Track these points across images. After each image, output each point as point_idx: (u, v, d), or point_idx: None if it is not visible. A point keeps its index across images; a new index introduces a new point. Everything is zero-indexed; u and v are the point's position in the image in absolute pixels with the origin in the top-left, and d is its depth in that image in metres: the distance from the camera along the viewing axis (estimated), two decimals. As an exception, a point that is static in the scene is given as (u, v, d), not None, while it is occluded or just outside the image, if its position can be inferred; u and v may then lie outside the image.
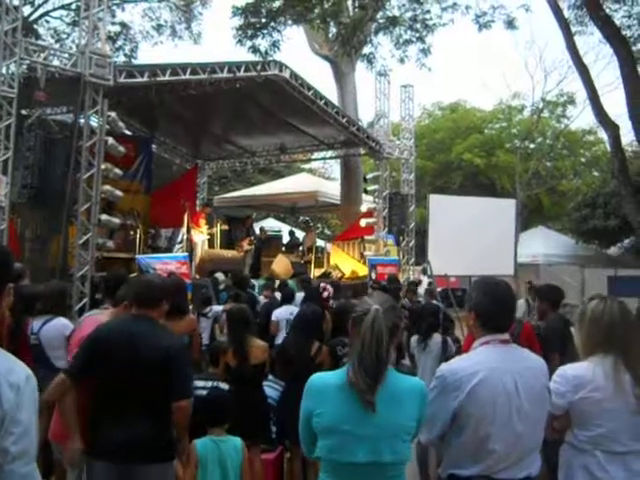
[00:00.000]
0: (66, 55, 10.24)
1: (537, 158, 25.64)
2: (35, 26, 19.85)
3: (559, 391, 2.87)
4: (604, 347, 2.90)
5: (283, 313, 7.99)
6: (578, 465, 2.87)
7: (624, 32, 13.41)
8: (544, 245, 19.07)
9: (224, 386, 4.88)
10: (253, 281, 11.78)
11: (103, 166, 10.21)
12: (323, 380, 2.47)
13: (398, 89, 17.14)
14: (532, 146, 28.02)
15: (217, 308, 8.44)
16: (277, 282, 10.62)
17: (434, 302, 9.95)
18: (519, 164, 24.20)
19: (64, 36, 21.29)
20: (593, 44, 16.45)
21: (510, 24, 15.93)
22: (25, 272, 7.02)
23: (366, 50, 16.99)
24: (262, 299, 9.74)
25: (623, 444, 2.81)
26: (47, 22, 21.24)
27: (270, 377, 5.99)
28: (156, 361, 3.43)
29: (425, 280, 15.38)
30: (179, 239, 14.97)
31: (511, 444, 2.62)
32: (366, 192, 17.20)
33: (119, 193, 10.80)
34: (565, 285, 15.52)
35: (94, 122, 10.34)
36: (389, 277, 12.04)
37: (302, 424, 2.50)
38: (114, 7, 20.31)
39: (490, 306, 2.81)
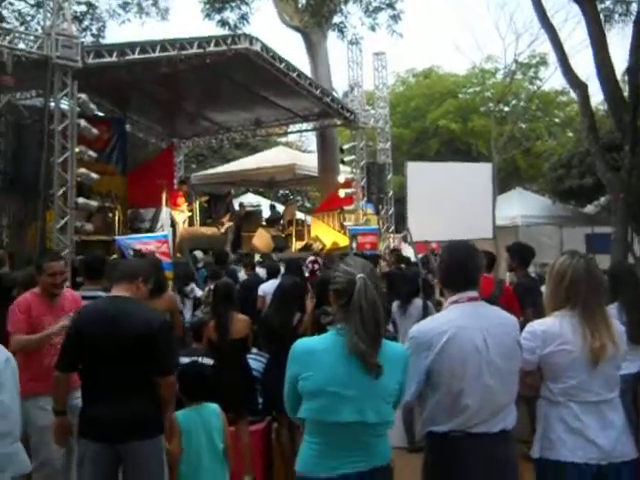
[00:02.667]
0: (32, 37, 10.08)
1: (512, 121, 25.65)
2: (-2, 9, 19.43)
3: (529, 346, 2.95)
4: (569, 302, 2.98)
5: (270, 287, 8.01)
6: (554, 417, 2.95)
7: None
8: (522, 207, 19.16)
9: (208, 361, 4.93)
10: (233, 257, 11.80)
11: (77, 149, 10.12)
12: (308, 345, 2.54)
13: (371, 57, 17.06)
14: (506, 109, 28.00)
15: (198, 292, 8.45)
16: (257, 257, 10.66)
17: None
18: (494, 128, 24.18)
19: (29, 18, 20.82)
20: (563, 3, 16.39)
21: (479, -14, 15.86)
22: (4, 259, 7.02)
23: (336, 19, 16.92)
24: (242, 275, 9.77)
25: (596, 393, 2.89)
26: (11, 4, 20.71)
27: (254, 350, 6.06)
28: (139, 338, 3.47)
29: (407, 248, 15.47)
30: (160, 219, 14.91)
31: (483, 398, 2.71)
32: (343, 163, 17.19)
33: (95, 175, 10.72)
34: (544, 245, 15.72)
35: (65, 105, 10.21)
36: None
37: (287, 388, 2.57)
38: (79, -15, 19.87)
39: (450, 266, 2.93)
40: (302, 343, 2.54)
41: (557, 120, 29.66)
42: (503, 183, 22.44)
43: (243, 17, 16.56)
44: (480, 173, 15.75)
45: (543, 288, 5.60)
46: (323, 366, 2.42)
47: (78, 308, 4.29)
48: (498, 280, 7.12)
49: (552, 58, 22.75)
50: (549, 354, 2.94)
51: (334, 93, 17.25)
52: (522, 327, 3.04)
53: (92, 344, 3.47)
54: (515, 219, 18.36)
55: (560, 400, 2.94)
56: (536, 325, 3.04)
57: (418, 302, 6.36)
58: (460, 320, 2.77)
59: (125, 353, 3.45)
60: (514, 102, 28.13)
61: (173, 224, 14.06)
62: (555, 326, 2.96)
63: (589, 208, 20.15)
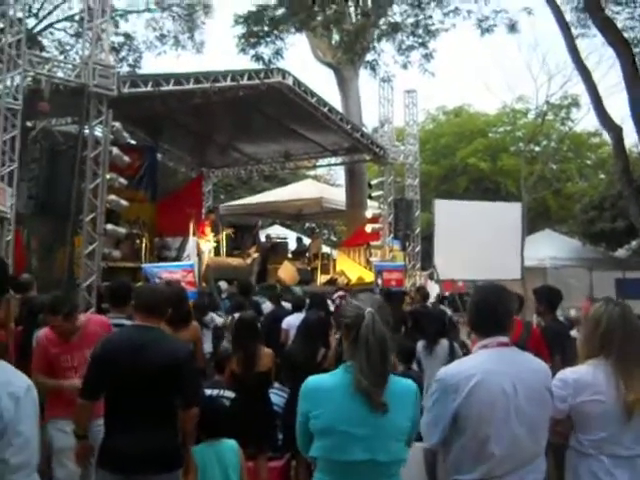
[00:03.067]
0: (70, 66, 10.33)
1: (542, 161, 25.54)
2: (39, 38, 19.96)
3: (560, 394, 2.86)
4: (603, 350, 2.89)
5: (294, 321, 7.94)
6: (584, 470, 2.85)
7: (626, 34, 13.38)
8: (551, 248, 18.98)
9: (229, 394, 4.88)
10: (257, 288, 11.78)
11: (108, 176, 10.25)
12: (319, 382, 2.49)
13: (402, 94, 17.13)
14: (537, 149, 27.94)
15: (218, 319, 8.42)
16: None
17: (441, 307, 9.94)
18: (524, 167, 24.09)
19: (68, 47, 21.42)
20: (597, 45, 16.37)
21: (512, 28, 15.91)
22: (33, 283, 7.06)
23: (369, 57, 17.04)
24: (268, 305, 9.74)
25: (627, 447, 2.79)
26: (51, 34, 21.36)
27: (276, 384, 5.99)
28: (166, 369, 3.44)
29: (433, 285, 15.35)
30: (187, 248, 14.99)
31: (511, 446, 2.60)
32: (371, 198, 17.18)
33: (124, 202, 10.83)
34: (572, 288, 15.48)
35: (98, 132, 10.39)
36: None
37: (299, 426, 2.51)
38: (117, 18, 20.40)
39: (480, 311, 2.85)
40: (312, 380, 2.49)
41: (589, 162, 29.47)
42: (532, 224, 22.28)
43: (277, 52, 16.78)
44: (509, 213, 15.78)
45: (572, 332, 5.48)
46: (332, 404, 2.38)
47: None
48: (526, 322, 6.98)
49: (584, 99, 22.72)
50: (580, 404, 2.85)
51: (364, 128, 17.32)
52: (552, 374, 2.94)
53: (117, 373, 3.45)
54: (543, 260, 18.16)
55: (590, 452, 2.84)
56: (568, 373, 2.95)
57: (444, 342, 6.25)
58: (489, 364, 2.68)
59: (149, 383, 3.41)
60: (545, 142, 28.04)
61: (199, 253, 14.11)
62: (588, 375, 2.87)
63: (620, 252, 19.85)
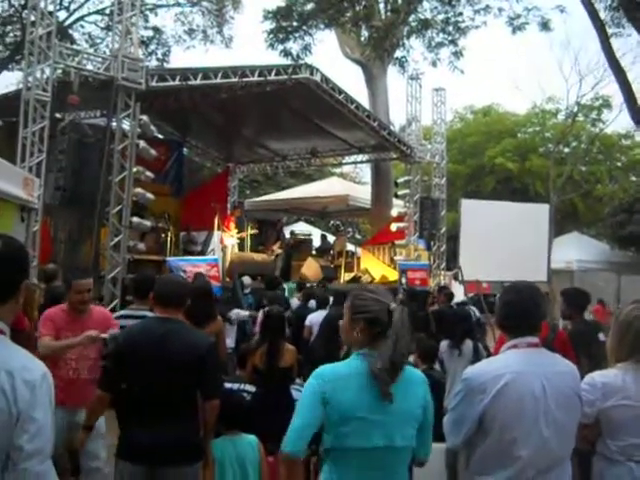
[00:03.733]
0: (99, 59, 10.40)
1: (571, 162, 25.23)
2: (70, 31, 20.16)
3: (588, 399, 2.79)
4: (633, 354, 2.81)
5: (317, 318, 7.93)
6: (611, 476, 2.79)
7: (662, 33, 13.10)
8: (578, 251, 18.75)
9: (250, 388, 4.86)
10: (284, 285, 11.78)
11: (135, 169, 10.32)
12: (335, 371, 2.48)
13: (430, 92, 17.02)
14: (566, 150, 27.60)
15: (243, 313, 8.43)
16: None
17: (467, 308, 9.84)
18: (553, 168, 23.82)
19: (98, 41, 21.62)
20: (631, 45, 16.10)
21: (544, 26, 15.73)
22: (58, 273, 7.12)
23: (398, 53, 16.94)
24: (295, 301, 9.74)
25: None
26: (82, 27, 21.58)
27: (298, 380, 5.96)
28: (188, 361, 3.43)
29: (458, 286, 15.23)
30: (211, 242, 15.05)
31: (538, 449, 2.54)
32: (397, 196, 17.09)
33: (150, 196, 10.88)
34: (600, 291, 15.27)
35: (126, 125, 10.46)
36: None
37: (305, 416, 2.43)
38: (147, 12, 20.54)
39: (511, 310, 2.78)
40: (328, 369, 2.49)
41: (619, 164, 29.02)
42: (560, 226, 22.02)
43: (306, 48, 16.78)
44: (537, 214, 15.57)
45: (600, 336, 5.36)
46: (350, 391, 2.38)
47: (107, 327, 4.42)
48: (552, 324, 6.87)
49: (616, 101, 22.42)
50: (609, 408, 2.78)
51: (391, 126, 17.24)
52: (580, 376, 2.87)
53: (138, 363, 3.44)
54: (571, 263, 17.94)
55: (618, 459, 2.78)
56: (597, 376, 2.88)
57: (469, 343, 6.17)
58: (518, 365, 2.61)
59: (171, 375, 3.40)
60: (574, 144, 27.68)
61: (223, 248, 14.15)
62: (617, 379, 2.80)
63: (650, 256, 19.53)
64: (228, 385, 4.77)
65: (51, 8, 10.02)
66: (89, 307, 4.60)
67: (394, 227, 16.35)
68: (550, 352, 2.78)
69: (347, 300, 2.59)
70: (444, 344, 6.34)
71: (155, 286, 3.80)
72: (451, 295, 10.36)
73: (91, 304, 4.67)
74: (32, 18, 9.94)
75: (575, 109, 25.25)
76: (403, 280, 14.47)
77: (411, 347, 2.49)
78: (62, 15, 18.93)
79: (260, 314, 7.75)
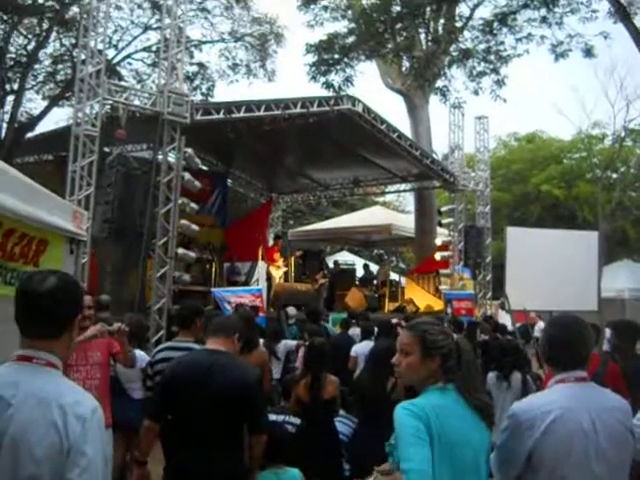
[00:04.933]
0: (146, 95, 10.64)
1: (620, 188, 24.74)
2: (118, 68, 20.74)
3: (642, 435, 2.67)
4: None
5: (363, 348, 7.85)
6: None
7: None
8: (630, 279, 18.27)
9: (294, 420, 4.82)
10: (327, 314, 11.76)
11: (180, 201, 10.45)
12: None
13: (472, 120, 16.96)
14: (615, 176, 27.10)
15: (291, 343, 8.42)
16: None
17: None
18: (601, 194, 23.39)
19: (145, 77, 22.16)
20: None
21: (588, 52, 15.57)
22: (108, 304, 7.26)
23: (439, 83, 16.96)
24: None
25: None
26: (129, 64, 22.16)
27: (342, 412, 5.89)
28: (235, 393, 3.42)
29: (505, 315, 14.96)
30: (255, 273, 15.12)
31: None
32: (441, 225, 16.98)
33: (195, 227, 11.00)
34: (653, 321, 14.79)
35: (172, 158, 10.64)
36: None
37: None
38: (192, 48, 21.00)
39: (557, 343, 2.69)
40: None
41: (670, 189, 28.33)
42: (610, 253, 21.51)
43: (347, 79, 16.91)
44: (585, 242, 15.23)
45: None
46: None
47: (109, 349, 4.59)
48: (603, 356, 6.66)
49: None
50: (666, 446, 2.65)
51: (434, 155, 17.20)
52: (632, 412, 2.76)
53: (186, 394, 3.44)
54: (622, 292, 17.49)
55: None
56: (651, 411, 2.76)
57: (517, 375, 6.03)
58: (567, 401, 2.52)
59: (218, 407, 3.39)
60: (623, 169, 27.16)
61: (269, 278, 14.20)
62: (673, 414, 2.68)
63: None
64: (273, 417, 4.74)
65: (101, 47, 10.32)
66: (89, 324, 4.62)
67: (438, 256, 16.19)
68: (598, 386, 2.69)
69: (410, 335, 2.52)
70: (492, 376, 6.20)
71: (207, 319, 3.83)
72: (497, 325, 10.20)
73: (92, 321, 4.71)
74: (82, 57, 10.27)
75: (623, 134, 24.84)
76: (449, 310, 14.29)
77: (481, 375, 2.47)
78: (111, 53, 19.50)
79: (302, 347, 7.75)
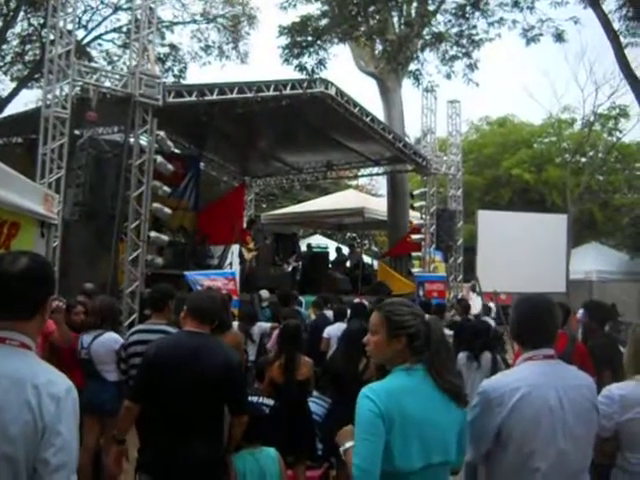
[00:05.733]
0: (117, 76, 10.54)
1: (589, 172, 25.10)
2: (88, 49, 20.45)
3: (606, 412, 2.77)
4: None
5: (335, 330, 7.92)
6: (631, 489, 2.76)
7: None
8: (597, 261, 18.65)
9: (268, 401, 4.87)
10: (301, 298, 11.78)
11: (152, 184, 10.39)
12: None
13: (445, 104, 17.03)
14: (583, 160, 27.49)
15: (265, 325, 8.46)
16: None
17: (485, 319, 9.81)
18: (570, 179, 23.72)
19: (116, 58, 21.90)
20: (646, 55, 16.02)
21: (559, 37, 15.69)
22: (96, 292, 7.24)
23: (412, 66, 16.97)
24: (312, 316, 9.73)
25: None
26: (100, 45, 21.89)
27: (315, 393, 5.96)
28: (220, 376, 3.44)
29: (475, 297, 15.16)
30: (228, 256, 15.06)
31: (556, 462, 2.52)
32: (413, 208, 17.07)
33: (168, 210, 10.96)
34: (620, 302, 15.12)
35: (143, 141, 10.56)
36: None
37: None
38: (163, 29, 20.79)
39: (525, 322, 2.76)
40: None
41: (638, 173, 28.82)
42: (578, 236, 21.89)
43: (320, 62, 16.85)
44: (554, 225, 15.50)
45: (622, 349, 5.32)
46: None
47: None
48: (571, 336, 6.82)
49: (633, 110, 22.31)
50: (627, 421, 2.76)
51: (407, 139, 17.25)
52: (597, 390, 2.85)
53: (169, 377, 3.43)
54: (590, 274, 17.84)
55: (638, 471, 2.74)
56: (614, 389, 2.86)
57: (487, 356, 6.16)
58: (534, 378, 2.61)
59: (202, 389, 3.40)
60: (592, 153, 27.55)
61: (242, 262, 14.17)
62: (636, 391, 2.78)
63: (670, 266, 19.35)
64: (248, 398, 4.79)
65: (70, 27, 10.15)
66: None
67: (411, 239, 16.31)
68: (565, 364, 2.77)
69: (378, 315, 2.54)
70: (462, 356, 6.33)
71: (189, 301, 3.80)
72: (467, 307, 10.35)
73: None
74: (51, 37, 10.10)
75: (592, 118, 25.16)
76: (421, 292, 14.43)
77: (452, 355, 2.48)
78: (80, 34, 19.20)
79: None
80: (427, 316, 2.45)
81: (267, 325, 8.44)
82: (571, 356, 4.90)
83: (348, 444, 2.39)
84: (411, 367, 2.39)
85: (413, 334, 2.42)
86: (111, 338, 5.40)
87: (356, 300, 8.62)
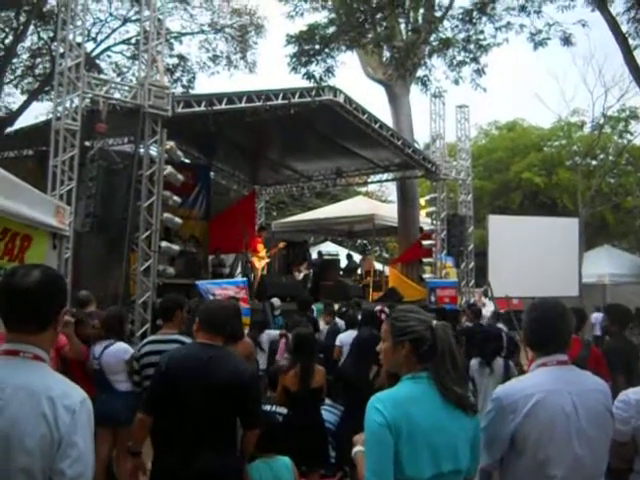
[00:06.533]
0: (126, 88, 10.61)
1: (600, 175, 24.96)
2: (97, 61, 20.60)
3: (622, 417, 2.74)
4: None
5: (347, 338, 7.90)
6: (649, 496, 2.73)
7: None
8: (610, 264, 18.49)
9: (282, 410, 4.86)
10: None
11: (162, 194, 10.43)
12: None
13: (453, 109, 17.01)
14: (594, 163, 27.34)
15: (273, 333, 8.45)
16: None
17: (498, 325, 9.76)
18: (581, 182, 23.60)
19: (125, 70, 22.05)
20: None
21: (567, 40, 15.61)
22: (91, 299, 7.22)
23: (420, 73, 16.94)
24: (322, 324, 9.70)
25: None
26: (109, 57, 22.06)
27: (327, 401, 5.95)
28: (231, 389, 3.42)
29: (488, 303, 15.10)
30: (240, 265, 15.10)
31: (572, 468, 2.50)
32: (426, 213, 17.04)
33: (178, 220, 11.00)
34: (633, 305, 15.00)
35: (153, 151, 10.61)
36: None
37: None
38: (172, 40, 20.92)
39: (539, 328, 2.75)
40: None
41: (649, 174, 28.65)
42: (590, 240, 21.77)
43: (328, 70, 16.86)
44: (566, 228, 15.40)
45: None
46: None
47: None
48: (585, 341, 6.79)
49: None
50: (645, 425, 2.72)
51: (416, 144, 17.24)
52: (612, 394, 2.82)
53: (182, 388, 3.42)
54: (603, 277, 17.72)
55: (656, 476, 2.71)
56: (631, 394, 2.83)
57: (499, 361, 6.12)
58: (549, 384, 2.59)
59: (215, 400, 3.39)
60: (602, 156, 27.41)
61: (253, 270, 14.19)
62: (652, 396, 2.75)
63: (683, 268, 19.18)
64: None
65: (79, 40, 10.22)
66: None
67: (422, 245, 16.27)
68: (579, 369, 2.74)
69: (386, 322, 2.54)
70: (474, 362, 6.29)
71: (201, 313, 3.78)
72: (479, 312, 10.28)
73: None
74: (61, 50, 10.18)
75: (601, 121, 25.05)
76: (432, 298, 14.38)
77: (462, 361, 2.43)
78: (90, 46, 19.37)
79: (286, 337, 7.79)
80: (435, 322, 2.40)
81: (276, 332, 8.44)
82: (586, 361, 4.87)
83: (357, 448, 2.40)
84: (416, 375, 2.37)
85: (417, 340, 2.39)
86: (121, 348, 5.41)
87: (377, 308, 8.58)
